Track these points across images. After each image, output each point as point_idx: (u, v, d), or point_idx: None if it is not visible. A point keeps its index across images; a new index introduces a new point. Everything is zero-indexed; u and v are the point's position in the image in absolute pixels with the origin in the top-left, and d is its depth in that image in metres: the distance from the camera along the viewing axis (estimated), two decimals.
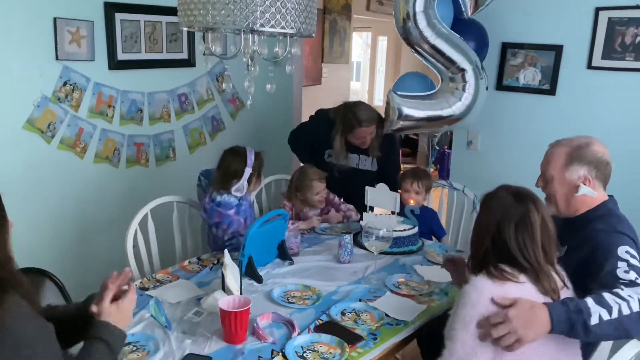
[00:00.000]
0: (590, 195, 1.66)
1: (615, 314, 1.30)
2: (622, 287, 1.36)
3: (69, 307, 1.35)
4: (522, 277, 1.36)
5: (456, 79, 2.68)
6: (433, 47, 2.59)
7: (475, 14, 2.77)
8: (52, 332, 1.15)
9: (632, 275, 1.40)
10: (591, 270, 1.49)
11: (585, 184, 1.65)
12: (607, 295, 1.33)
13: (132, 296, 1.33)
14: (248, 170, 2.26)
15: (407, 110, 2.65)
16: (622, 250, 1.47)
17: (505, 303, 1.31)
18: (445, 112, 2.70)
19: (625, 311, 1.30)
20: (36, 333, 1.11)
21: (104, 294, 1.28)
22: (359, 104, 2.85)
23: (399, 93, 2.69)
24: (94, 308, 1.26)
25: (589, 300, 1.32)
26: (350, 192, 2.82)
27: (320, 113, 2.98)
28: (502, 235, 1.39)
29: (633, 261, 1.45)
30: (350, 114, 2.72)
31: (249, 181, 2.28)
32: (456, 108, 2.69)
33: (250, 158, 2.28)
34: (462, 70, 2.64)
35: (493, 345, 1.31)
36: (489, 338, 1.30)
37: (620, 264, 1.44)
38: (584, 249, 1.57)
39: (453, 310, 1.41)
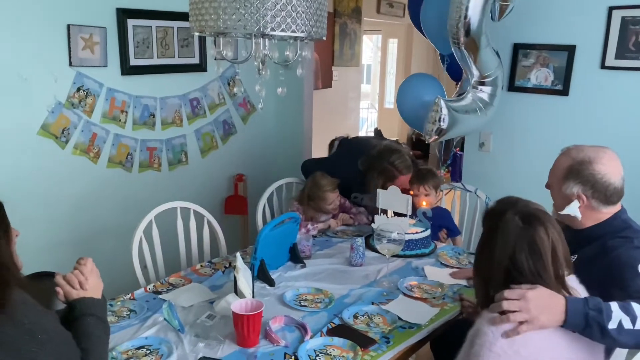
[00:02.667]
0: (573, 215, 1.61)
1: (639, 325, 1.26)
2: None
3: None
4: None
5: (477, 82, 2.70)
6: (480, 52, 2.61)
7: (502, 19, 2.77)
8: (57, 318, 1.22)
9: None
10: (613, 286, 1.45)
11: (579, 202, 1.61)
12: (635, 305, 1.29)
13: (88, 265, 1.37)
14: None
15: (453, 116, 2.61)
16: None
17: (524, 287, 1.27)
18: (481, 114, 2.71)
19: None
20: (46, 319, 1.17)
21: (61, 286, 1.32)
22: (393, 152, 2.72)
23: (445, 99, 2.64)
24: (67, 297, 1.31)
25: (614, 305, 1.28)
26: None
27: (344, 155, 2.87)
28: (517, 265, 1.30)
29: None
30: (388, 164, 2.66)
31: None
32: (487, 109, 2.71)
33: None
34: (494, 76, 2.69)
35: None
36: (499, 313, 1.25)
37: None
38: (599, 264, 1.53)
39: (466, 346, 1.33)
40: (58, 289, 1.31)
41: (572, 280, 1.40)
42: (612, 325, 1.25)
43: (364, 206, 2.82)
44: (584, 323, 1.26)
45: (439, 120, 2.58)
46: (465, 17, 2.50)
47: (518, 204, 1.35)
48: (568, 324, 1.26)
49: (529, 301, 1.24)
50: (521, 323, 1.24)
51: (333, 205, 2.63)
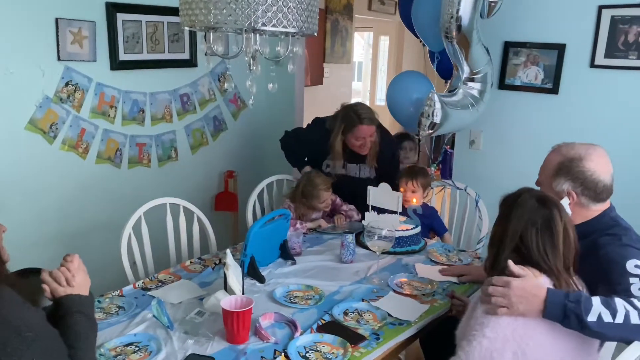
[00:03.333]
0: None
1: (619, 319, 1.28)
2: None
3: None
4: (543, 278, 1.37)
5: (467, 79, 2.72)
6: (471, 49, 2.63)
7: (490, 17, 2.78)
8: (44, 315, 1.20)
9: None
10: (601, 284, 1.47)
11: (569, 199, 1.62)
12: (617, 300, 1.32)
13: (75, 261, 1.35)
14: None
15: (446, 111, 2.63)
16: (632, 265, 1.45)
17: (515, 271, 1.35)
18: (472, 111, 2.73)
19: (635, 320, 1.28)
20: (33, 316, 1.15)
21: (48, 283, 1.30)
22: (359, 103, 2.81)
23: (439, 94, 2.66)
24: (54, 294, 1.29)
25: (595, 299, 1.31)
26: (351, 201, 2.78)
27: (317, 122, 2.94)
28: (525, 239, 1.38)
29: None
30: (352, 112, 2.69)
31: None
32: (479, 106, 2.73)
33: None
34: (483, 73, 2.71)
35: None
36: (484, 298, 1.36)
37: (632, 279, 1.42)
38: (589, 261, 1.54)
39: (469, 312, 1.42)
40: (45, 286, 1.29)
41: (576, 280, 1.44)
42: (591, 317, 1.28)
43: (332, 174, 2.83)
44: (562, 314, 1.30)
45: (432, 115, 2.59)
46: (458, 12, 2.51)
47: (534, 190, 1.46)
48: (547, 314, 1.31)
49: (512, 289, 1.31)
50: (501, 307, 1.32)
51: (325, 203, 2.63)
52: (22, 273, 1.35)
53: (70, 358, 1.18)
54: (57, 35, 2.55)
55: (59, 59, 2.58)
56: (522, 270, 1.36)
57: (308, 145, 2.87)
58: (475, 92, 2.74)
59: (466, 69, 2.70)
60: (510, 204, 1.43)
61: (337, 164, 2.81)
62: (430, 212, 2.70)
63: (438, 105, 2.58)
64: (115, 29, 2.77)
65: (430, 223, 2.69)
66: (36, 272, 1.33)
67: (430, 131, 2.65)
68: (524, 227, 1.38)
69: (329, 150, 2.80)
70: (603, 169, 1.61)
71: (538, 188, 1.74)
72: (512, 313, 1.31)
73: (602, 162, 1.62)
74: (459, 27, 2.55)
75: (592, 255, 1.55)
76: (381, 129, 2.81)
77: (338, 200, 2.78)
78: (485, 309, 1.34)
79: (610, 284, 1.45)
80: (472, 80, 2.73)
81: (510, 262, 1.37)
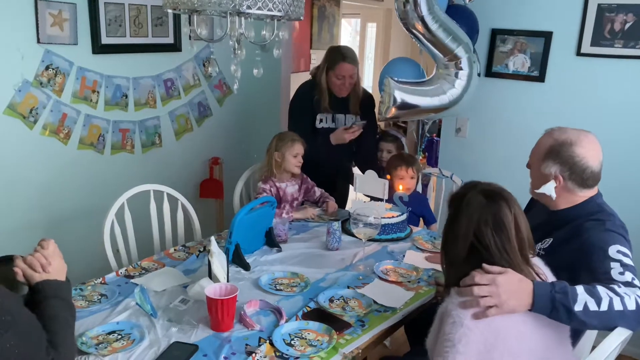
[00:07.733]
0: (549, 194, 1.63)
1: (604, 307, 1.29)
2: (620, 285, 1.35)
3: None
4: None
5: (451, 65, 2.65)
6: (432, 34, 2.56)
7: (472, 1, 2.75)
8: (21, 300, 1.18)
9: (628, 277, 1.39)
10: (582, 269, 1.47)
11: (556, 182, 1.63)
12: (600, 287, 1.32)
13: (51, 247, 1.33)
14: None
15: (403, 97, 2.60)
16: (614, 250, 1.46)
17: (495, 270, 1.29)
18: (440, 100, 2.68)
19: (618, 307, 1.29)
20: (10, 301, 1.12)
21: (23, 270, 1.28)
22: (344, 45, 3.01)
23: (396, 79, 2.65)
24: (30, 281, 1.27)
25: (579, 288, 1.31)
26: (336, 153, 2.93)
27: (301, 86, 3.03)
28: (482, 241, 1.31)
29: (626, 260, 1.44)
30: (336, 51, 2.85)
31: None
32: (451, 95, 2.67)
33: None
34: (458, 58, 2.63)
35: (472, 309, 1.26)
36: (469, 298, 1.27)
37: (613, 264, 1.43)
38: (572, 246, 1.56)
39: (437, 324, 1.34)
40: (17, 269, 1.27)
41: (537, 262, 1.43)
42: (577, 307, 1.28)
43: (322, 128, 2.94)
44: (550, 306, 1.28)
45: (390, 101, 2.59)
46: (415, 3, 2.45)
47: (479, 185, 1.39)
48: (536, 308, 1.28)
49: (499, 286, 1.25)
50: (490, 307, 1.25)
51: (297, 160, 2.58)
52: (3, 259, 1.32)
53: (49, 342, 1.16)
54: (37, 17, 2.48)
55: (38, 41, 2.52)
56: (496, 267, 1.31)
57: (301, 103, 2.96)
58: (457, 83, 2.68)
59: (439, 55, 2.65)
60: (458, 204, 1.37)
61: (323, 94, 2.89)
62: (422, 200, 2.70)
63: (394, 91, 2.57)
64: (97, 11, 2.70)
65: (421, 211, 2.69)
66: (11, 259, 1.30)
67: (388, 116, 2.65)
68: (476, 227, 1.31)
69: (317, 105, 2.89)
70: (593, 155, 1.61)
71: (521, 176, 1.75)
72: (502, 311, 1.25)
73: (592, 148, 1.62)
74: (418, 15, 2.50)
75: (576, 239, 1.56)
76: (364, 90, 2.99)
77: (309, 182, 2.73)
78: (474, 314, 1.26)
79: (592, 268, 1.46)
80: (460, 69, 2.68)
81: (486, 265, 1.30)
